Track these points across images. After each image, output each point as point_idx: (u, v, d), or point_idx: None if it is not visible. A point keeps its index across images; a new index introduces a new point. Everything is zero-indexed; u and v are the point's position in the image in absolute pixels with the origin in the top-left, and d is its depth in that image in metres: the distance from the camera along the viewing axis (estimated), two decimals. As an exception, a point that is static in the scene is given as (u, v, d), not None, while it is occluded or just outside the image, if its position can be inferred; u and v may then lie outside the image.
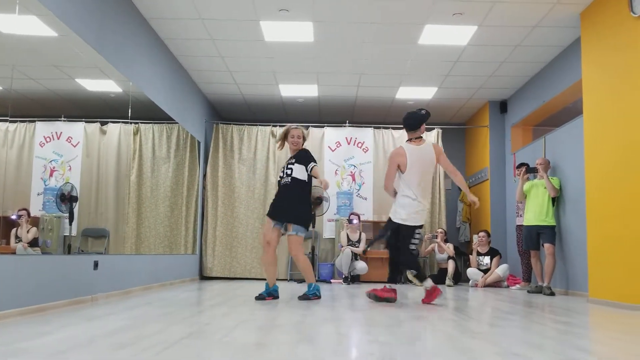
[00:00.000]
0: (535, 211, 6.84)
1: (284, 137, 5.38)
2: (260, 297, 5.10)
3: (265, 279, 5.41)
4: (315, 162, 5.23)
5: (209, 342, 2.67)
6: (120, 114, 5.59)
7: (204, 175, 9.07)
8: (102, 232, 5.26)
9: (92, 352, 2.38)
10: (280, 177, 5.31)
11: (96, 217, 5.15)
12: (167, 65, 7.04)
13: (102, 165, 5.24)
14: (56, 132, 4.55)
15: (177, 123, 7.39)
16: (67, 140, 4.69)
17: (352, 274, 8.39)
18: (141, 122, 6.19)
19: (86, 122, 4.98)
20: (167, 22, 6.26)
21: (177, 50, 7.14)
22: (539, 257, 6.91)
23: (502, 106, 9.19)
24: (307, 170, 5.17)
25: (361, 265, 8.37)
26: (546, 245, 6.66)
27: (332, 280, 8.53)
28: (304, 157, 5.24)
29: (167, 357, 2.29)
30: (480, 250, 8.27)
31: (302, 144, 5.35)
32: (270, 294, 5.16)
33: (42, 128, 4.40)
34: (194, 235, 8.38)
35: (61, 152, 4.57)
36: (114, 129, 5.52)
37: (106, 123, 5.35)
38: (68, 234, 4.62)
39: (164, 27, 6.40)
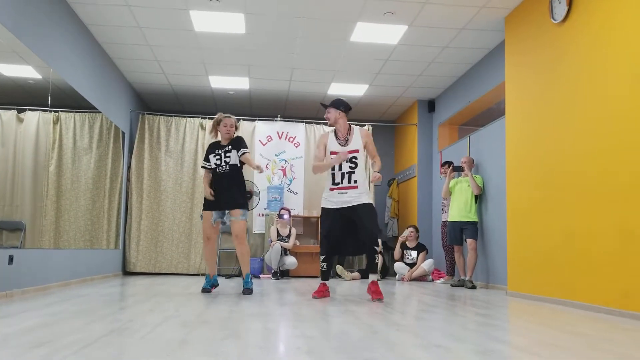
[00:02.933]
0: (459, 207, 7.07)
1: (217, 125, 5.44)
2: (207, 290, 5.33)
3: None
4: (247, 148, 5.37)
5: (131, 340, 2.58)
6: (39, 101, 5.31)
7: (129, 167, 8.78)
8: (17, 225, 4.99)
9: (5, 352, 2.24)
10: (216, 164, 5.31)
11: (11, 209, 4.88)
12: (91, 53, 6.75)
13: (19, 155, 4.97)
14: (-33, 119, 4.27)
15: (100, 112, 7.11)
16: (-21, 127, 4.42)
17: (281, 269, 8.38)
18: (62, 111, 5.91)
19: (2, 109, 4.70)
20: (91, 7, 6.00)
21: (102, 37, 6.86)
22: (462, 252, 7.14)
23: (430, 105, 9.43)
24: (237, 156, 5.31)
25: (290, 260, 8.37)
26: (469, 240, 6.90)
27: (261, 275, 8.48)
28: (237, 143, 5.36)
29: (86, 356, 2.19)
30: (408, 245, 8.46)
31: (234, 133, 5.46)
32: (213, 285, 5.46)
33: (-48, 114, 4.12)
34: (117, 229, 8.10)
35: (-27, 140, 4.29)
36: (32, 117, 5.24)
37: (24, 111, 5.07)
38: (-21, 227, 4.35)
39: (88, 12, 6.13)
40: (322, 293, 4.96)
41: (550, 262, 5.02)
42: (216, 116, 5.48)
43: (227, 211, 5.32)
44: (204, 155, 5.55)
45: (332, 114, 5.00)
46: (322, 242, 4.98)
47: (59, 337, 2.61)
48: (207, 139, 9.07)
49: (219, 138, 5.49)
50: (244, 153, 5.29)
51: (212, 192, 5.30)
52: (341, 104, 5.03)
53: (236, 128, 5.49)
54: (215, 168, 5.33)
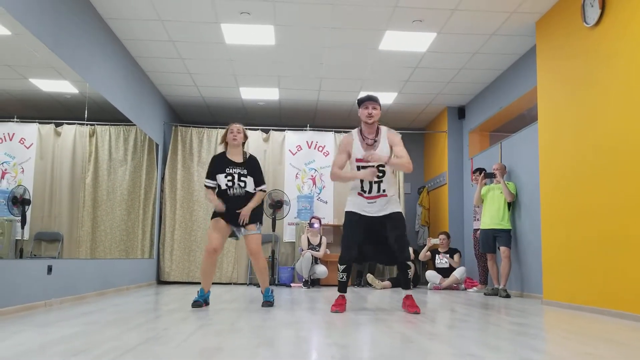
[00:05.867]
0: (492, 215, 6.99)
1: (225, 136, 4.87)
2: (198, 304, 4.69)
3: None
4: (264, 182, 4.90)
5: (166, 348, 2.63)
6: (76, 115, 5.46)
7: (162, 178, 8.93)
8: (55, 236, 5.12)
9: (44, 359, 2.31)
10: (227, 186, 4.75)
11: (50, 220, 5.01)
12: (125, 67, 6.91)
13: (57, 167, 5.11)
14: (8, 133, 4.41)
15: (134, 125, 7.27)
16: (19, 141, 4.56)
17: (312, 277, 8.39)
18: (97, 124, 6.06)
19: (40, 123, 4.85)
20: (126, 22, 6.15)
21: (136, 52, 7.02)
22: (495, 260, 7.05)
23: (460, 112, 9.36)
24: (254, 184, 4.83)
25: (321, 269, 8.38)
26: (502, 248, 6.81)
27: (292, 284, 8.51)
28: (255, 170, 4.85)
29: (123, 364, 2.24)
30: (440, 250, 8.40)
31: (243, 141, 4.89)
32: (206, 301, 4.82)
33: (-7, 129, 4.26)
34: (151, 239, 8.23)
35: (13, 153, 4.43)
36: (69, 131, 5.38)
37: (61, 124, 5.22)
38: (20, 238, 4.48)
39: (122, 27, 6.29)
40: (342, 307, 4.54)
41: (588, 269, 4.92)
42: (225, 129, 4.91)
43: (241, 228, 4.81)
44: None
45: (379, 111, 4.54)
46: (344, 250, 4.57)
47: (96, 345, 2.67)
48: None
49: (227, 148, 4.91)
50: (262, 190, 4.82)
51: (222, 204, 4.70)
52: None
53: (245, 137, 4.91)
54: (225, 189, 4.75)
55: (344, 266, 4.61)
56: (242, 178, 4.77)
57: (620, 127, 4.52)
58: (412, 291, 4.66)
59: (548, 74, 5.81)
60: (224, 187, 4.76)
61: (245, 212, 4.72)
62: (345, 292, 4.71)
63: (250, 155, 4.94)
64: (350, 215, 4.60)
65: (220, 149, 9.00)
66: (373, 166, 4.50)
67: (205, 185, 4.85)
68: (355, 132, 4.68)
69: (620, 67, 4.56)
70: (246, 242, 4.82)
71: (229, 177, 4.75)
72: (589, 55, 5.03)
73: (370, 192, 4.55)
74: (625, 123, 4.46)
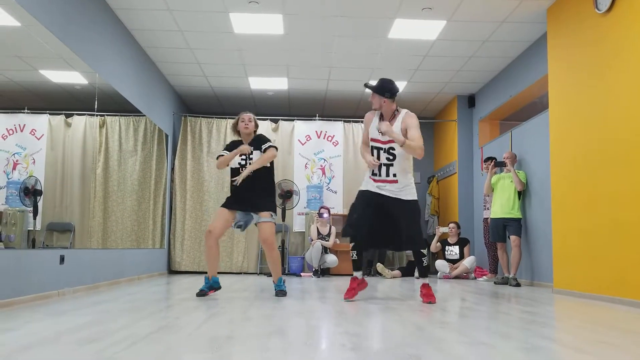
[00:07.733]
0: (502, 204, 6.96)
1: (236, 125, 4.99)
2: (202, 293, 4.71)
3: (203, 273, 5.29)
4: (270, 141, 4.94)
5: (178, 336, 2.64)
6: (86, 106, 5.48)
7: (172, 169, 8.97)
8: (67, 226, 5.16)
9: (58, 348, 2.33)
10: (240, 164, 4.87)
11: (61, 211, 5.05)
12: (135, 57, 6.92)
13: (67, 158, 5.14)
14: (19, 125, 4.44)
15: (144, 116, 7.28)
16: (30, 132, 4.59)
17: (322, 267, 8.41)
18: (107, 115, 6.08)
19: (50, 114, 4.87)
20: (134, 12, 6.15)
21: (145, 42, 7.02)
22: (505, 249, 7.03)
23: (470, 100, 9.30)
24: (262, 152, 4.87)
25: (331, 259, 8.40)
26: (512, 237, 6.79)
27: (302, 274, 8.53)
28: (258, 142, 4.92)
29: (136, 352, 2.26)
30: (449, 241, 8.38)
31: (255, 129, 4.97)
32: (212, 287, 4.82)
33: (5, 120, 4.29)
34: (162, 229, 8.28)
35: (24, 144, 4.46)
36: (80, 122, 5.41)
37: (71, 115, 5.24)
38: (32, 228, 4.52)
39: (131, 17, 6.29)
40: (354, 291, 4.55)
41: (599, 257, 4.90)
42: (236, 118, 5.05)
43: (252, 214, 4.83)
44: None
45: (376, 100, 4.52)
46: (352, 227, 4.49)
47: (109, 334, 2.69)
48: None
49: (240, 137, 5.02)
50: (269, 147, 4.84)
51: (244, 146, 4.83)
52: (386, 90, 4.47)
53: (256, 125, 4.97)
54: (238, 168, 4.87)
55: (353, 244, 4.62)
56: (251, 156, 4.91)
57: (633, 115, 4.47)
58: (427, 280, 4.61)
59: (559, 62, 5.75)
60: (236, 165, 4.89)
61: (247, 170, 4.77)
62: (359, 270, 4.67)
63: (257, 134, 5.04)
64: (361, 192, 4.61)
65: (230, 137, 9.02)
66: (383, 148, 4.48)
67: (218, 157, 4.95)
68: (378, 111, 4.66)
69: (633, 54, 4.50)
70: (259, 230, 4.81)
71: (242, 157, 4.90)
72: (600, 42, 4.97)
73: (379, 174, 4.50)
74: (637, 111, 4.41)
